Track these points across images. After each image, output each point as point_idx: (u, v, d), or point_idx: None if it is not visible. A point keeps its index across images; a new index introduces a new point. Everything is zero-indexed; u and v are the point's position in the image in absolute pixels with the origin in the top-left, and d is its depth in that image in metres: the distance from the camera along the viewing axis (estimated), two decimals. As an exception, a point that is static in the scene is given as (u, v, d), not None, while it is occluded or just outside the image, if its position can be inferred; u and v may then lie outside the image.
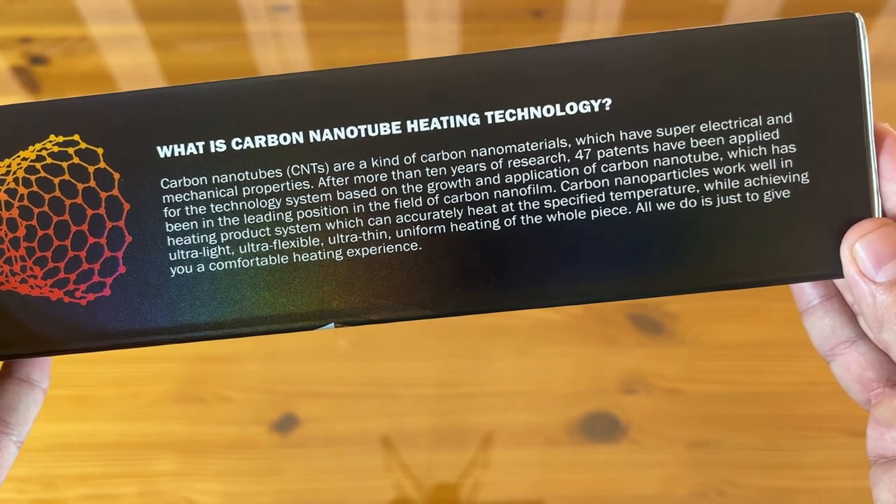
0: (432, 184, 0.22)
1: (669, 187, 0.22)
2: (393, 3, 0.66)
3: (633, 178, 0.22)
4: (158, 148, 0.22)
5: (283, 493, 0.45)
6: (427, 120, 0.22)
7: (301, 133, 0.22)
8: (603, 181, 0.22)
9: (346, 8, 0.66)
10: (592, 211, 0.22)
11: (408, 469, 0.46)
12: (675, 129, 0.22)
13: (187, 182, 0.22)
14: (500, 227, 0.22)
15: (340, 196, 0.22)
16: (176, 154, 0.22)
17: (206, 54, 0.64)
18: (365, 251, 0.22)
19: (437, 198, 0.22)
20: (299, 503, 0.45)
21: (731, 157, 0.22)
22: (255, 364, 0.49)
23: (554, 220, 0.22)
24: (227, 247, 0.22)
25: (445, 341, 0.49)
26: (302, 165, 0.22)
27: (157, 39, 0.64)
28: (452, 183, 0.22)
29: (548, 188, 0.22)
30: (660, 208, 0.22)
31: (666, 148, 0.22)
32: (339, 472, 0.46)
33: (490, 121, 0.22)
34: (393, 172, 0.22)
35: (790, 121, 0.22)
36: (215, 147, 0.22)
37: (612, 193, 0.22)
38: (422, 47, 0.65)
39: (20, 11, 0.65)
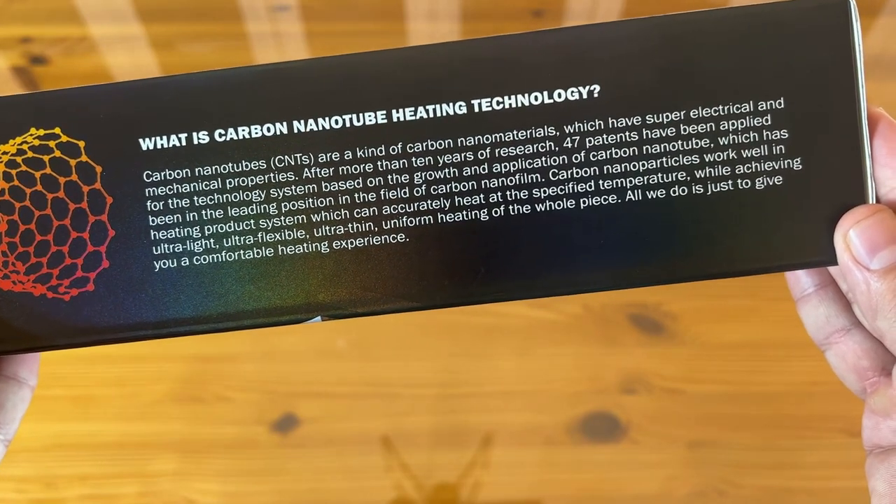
0: (419, 174, 0.22)
1: (660, 175, 0.22)
2: (393, 3, 0.66)
3: (623, 165, 0.22)
4: (141, 140, 0.22)
5: (283, 493, 0.45)
6: (413, 109, 0.22)
7: (285, 124, 0.22)
8: (592, 169, 0.22)
9: (346, 8, 0.66)
10: (581, 199, 0.22)
11: (408, 469, 0.46)
12: (664, 115, 0.22)
13: (170, 175, 0.22)
14: (488, 217, 0.22)
15: (326, 187, 0.22)
16: (158, 146, 0.22)
17: (206, 54, 0.64)
18: (351, 243, 0.22)
19: (423, 188, 0.22)
20: (299, 503, 0.45)
21: (722, 143, 0.22)
22: (254, 364, 0.49)
23: (543, 209, 0.22)
24: (212, 240, 0.22)
25: (445, 341, 0.49)
26: (286, 156, 0.22)
27: (157, 39, 0.64)
28: (439, 173, 0.22)
29: (536, 177, 0.22)
30: (650, 196, 0.22)
31: (656, 135, 0.22)
32: (339, 472, 0.46)
33: (477, 109, 0.22)
34: (379, 163, 0.22)
35: (782, 106, 0.22)
36: (198, 139, 0.22)
37: (601, 181, 0.22)
38: (422, 47, 0.65)
39: (20, 11, 0.65)
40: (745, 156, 0.22)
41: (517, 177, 0.22)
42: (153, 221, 0.22)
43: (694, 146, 0.22)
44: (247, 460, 0.46)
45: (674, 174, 0.22)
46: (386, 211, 0.22)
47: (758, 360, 0.48)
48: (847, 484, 0.44)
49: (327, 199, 0.22)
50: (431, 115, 0.22)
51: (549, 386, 0.48)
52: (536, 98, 0.22)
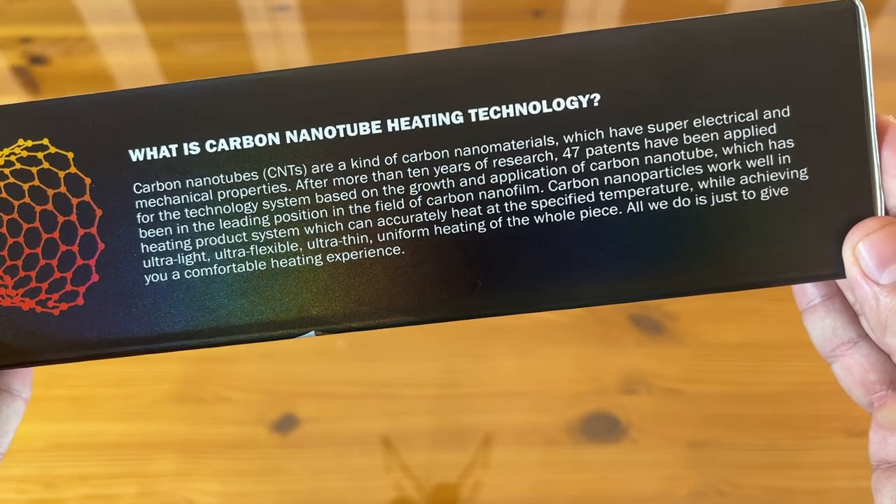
0: (415, 185, 0.21)
1: (662, 186, 0.21)
2: (393, 3, 0.66)
3: (624, 176, 0.21)
4: (130, 151, 0.21)
5: (283, 493, 0.45)
6: (408, 119, 0.21)
7: (277, 134, 0.21)
8: (592, 180, 0.21)
9: (346, 8, 0.66)
10: (581, 211, 0.21)
11: (408, 469, 0.46)
12: (667, 124, 0.21)
13: (161, 186, 0.21)
14: (485, 230, 0.21)
15: (319, 199, 0.21)
16: (148, 157, 0.21)
17: (205, 54, 0.64)
18: (345, 256, 0.22)
19: (419, 199, 0.21)
20: (299, 503, 0.45)
21: (726, 153, 0.21)
22: (254, 364, 0.49)
23: (542, 221, 0.21)
24: (203, 253, 0.22)
25: (445, 341, 0.49)
26: (279, 167, 0.21)
27: (156, 39, 0.64)
28: (436, 184, 0.21)
29: (535, 188, 0.21)
30: (652, 208, 0.21)
31: (658, 145, 0.21)
32: (339, 472, 0.46)
33: (474, 119, 0.21)
34: (374, 174, 0.21)
35: (788, 114, 0.21)
36: (189, 149, 0.21)
37: (601, 193, 0.21)
38: (422, 47, 0.65)
39: (20, 11, 0.65)
40: (749, 166, 0.21)
41: (515, 188, 0.21)
42: (143, 234, 0.22)
43: (697, 156, 0.21)
44: (247, 460, 0.46)
45: (676, 185, 0.21)
46: (381, 223, 0.22)
47: (758, 360, 0.48)
48: (847, 484, 0.44)
49: (321, 212, 0.22)
50: (427, 124, 0.21)
51: (549, 386, 0.48)
52: (535, 107, 0.21)
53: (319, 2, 0.67)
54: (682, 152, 0.21)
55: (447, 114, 0.21)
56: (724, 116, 0.21)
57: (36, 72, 0.62)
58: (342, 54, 0.64)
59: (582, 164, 0.21)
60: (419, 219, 0.22)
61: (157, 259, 0.22)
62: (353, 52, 0.63)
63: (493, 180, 0.21)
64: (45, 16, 0.65)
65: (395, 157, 0.21)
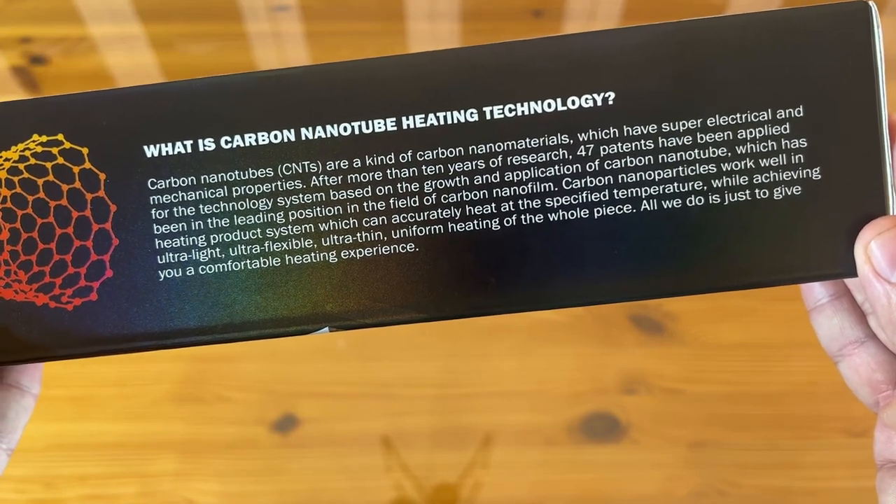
0: (429, 182, 0.21)
1: (675, 184, 0.21)
2: (393, 3, 0.66)
3: (638, 174, 0.21)
4: (145, 147, 0.22)
5: (283, 493, 0.45)
6: (423, 116, 0.21)
7: (293, 131, 0.22)
8: (606, 178, 0.21)
9: (346, 8, 0.66)
10: (595, 209, 0.22)
11: (408, 469, 0.46)
12: (681, 123, 0.21)
13: (175, 182, 0.22)
14: (499, 227, 0.22)
15: (334, 196, 0.22)
16: (163, 153, 0.21)
17: (206, 54, 0.64)
18: (360, 252, 0.22)
19: (434, 197, 0.22)
20: (299, 503, 0.45)
21: (739, 152, 0.21)
22: (255, 364, 0.49)
23: (556, 219, 0.22)
24: (217, 249, 0.22)
25: (445, 341, 0.49)
26: (294, 164, 0.22)
27: (156, 39, 0.64)
28: (450, 181, 0.21)
29: (549, 186, 0.21)
30: (666, 206, 0.21)
31: (672, 143, 0.21)
32: (339, 472, 0.46)
33: (489, 116, 0.21)
34: (388, 171, 0.21)
35: (801, 114, 0.21)
36: (204, 146, 0.22)
37: (615, 191, 0.21)
38: (422, 47, 0.65)
39: (20, 11, 0.65)
40: (762, 165, 0.21)
41: (530, 185, 0.21)
42: (158, 230, 0.22)
43: (711, 155, 0.21)
44: (247, 460, 0.46)
45: (690, 183, 0.21)
46: (395, 220, 0.22)
47: (758, 360, 0.48)
48: (847, 484, 0.44)
49: (335, 208, 0.22)
50: (442, 122, 0.21)
51: (549, 386, 0.48)
52: (550, 105, 0.21)
53: (319, 2, 0.67)
54: (696, 151, 0.21)
55: (462, 111, 0.21)
56: (738, 115, 0.21)
57: (36, 72, 0.62)
58: (342, 54, 0.63)
59: (596, 163, 0.21)
60: (433, 216, 0.22)
61: (171, 255, 0.22)
62: (353, 52, 0.63)
63: (508, 178, 0.22)
64: (45, 16, 0.65)
65: (409, 154, 0.22)
